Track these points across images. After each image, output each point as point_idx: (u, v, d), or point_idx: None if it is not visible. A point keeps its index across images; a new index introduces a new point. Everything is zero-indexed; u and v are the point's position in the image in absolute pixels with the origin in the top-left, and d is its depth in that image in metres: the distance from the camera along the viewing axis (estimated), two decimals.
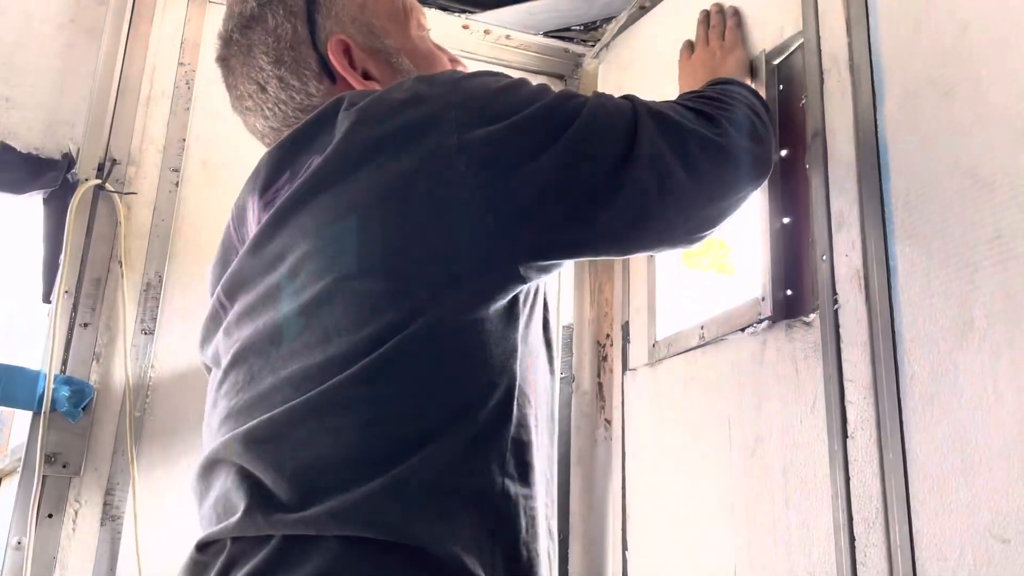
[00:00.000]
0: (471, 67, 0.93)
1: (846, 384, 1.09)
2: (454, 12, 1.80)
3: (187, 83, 1.71)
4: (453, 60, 1.01)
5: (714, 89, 1.08)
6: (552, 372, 0.88)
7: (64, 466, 1.47)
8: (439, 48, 1.01)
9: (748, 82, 1.25)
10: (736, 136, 0.97)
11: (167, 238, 1.62)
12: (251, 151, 1.68)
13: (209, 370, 0.94)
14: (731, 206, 0.97)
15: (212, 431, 0.83)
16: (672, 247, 0.96)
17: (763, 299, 1.23)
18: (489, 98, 0.80)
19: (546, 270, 0.81)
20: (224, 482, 0.75)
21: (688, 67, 1.36)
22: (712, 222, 0.95)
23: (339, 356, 0.72)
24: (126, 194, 1.61)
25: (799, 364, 1.18)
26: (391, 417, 0.71)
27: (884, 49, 1.13)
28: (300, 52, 0.92)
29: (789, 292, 1.21)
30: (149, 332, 1.58)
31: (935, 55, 1.05)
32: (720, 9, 1.39)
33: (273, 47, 0.92)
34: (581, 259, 0.98)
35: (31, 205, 1.62)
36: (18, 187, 1.57)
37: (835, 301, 1.13)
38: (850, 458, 1.07)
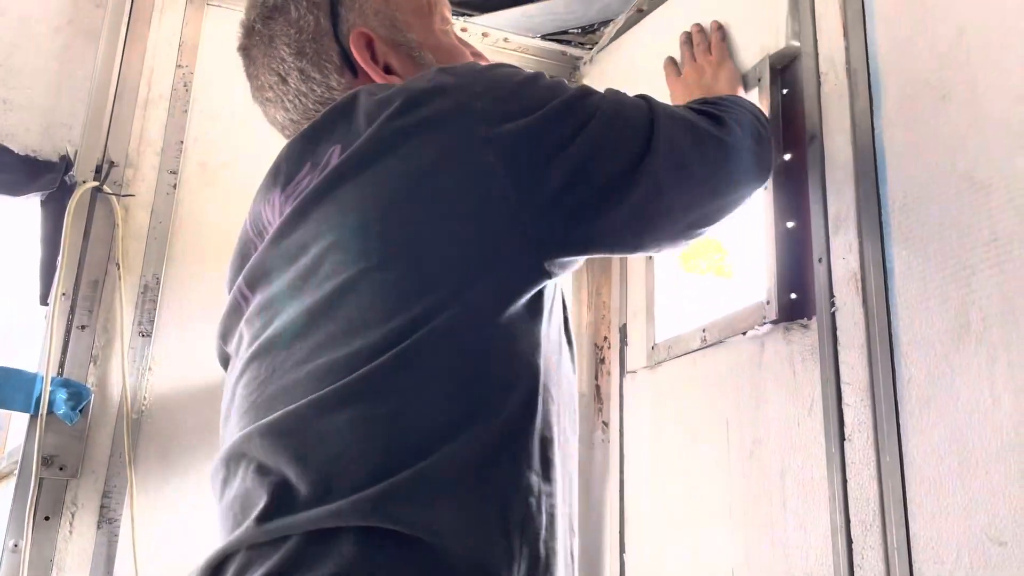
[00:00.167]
0: None
1: (843, 387, 1.10)
2: (453, 15, 1.80)
3: (185, 85, 1.71)
4: (476, 55, 1.01)
5: (715, 98, 1.10)
6: (574, 371, 0.88)
7: (61, 469, 1.46)
8: (462, 42, 1.01)
9: (741, 93, 1.27)
10: (742, 136, 0.99)
11: (165, 240, 1.62)
12: (249, 153, 1.69)
13: (225, 365, 0.93)
14: (732, 203, 0.98)
15: (231, 425, 0.82)
16: (673, 244, 0.96)
17: (768, 302, 1.23)
18: (514, 90, 0.80)
19: (566, 266, 0.81)
20: (244, 480, 0.74)
21: (680, 84, 1.35)
22: (711, 218, 0.96)
23: (364, 348, 0.72)
24: (124, 196, 1.61)
25: (796, 367, 1.19)
26: (416, 410, 0.71)
27: (881, 53, 1.13)
28: (322, 44, 0.92)
29: (793, 295, 1.21)
30: (146, 334, 1.57)
31: (931, 59, 1.05)
32: (701, 28, 1.40)
33: (295, 38, 0.92)
34: (595, 256, 0.99)
35: (28, 207, 1.61)
36: (15, 189, 1.57)
37: (832, 304, 1.13)
38: (847, 460, 1.07)
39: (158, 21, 1.72)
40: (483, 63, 0.96)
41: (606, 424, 1.65)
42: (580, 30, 1.85)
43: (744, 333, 1.29)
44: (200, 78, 1.72)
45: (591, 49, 1.87)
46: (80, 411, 1.48)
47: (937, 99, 1.04)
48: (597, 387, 1.69)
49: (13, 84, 1.63)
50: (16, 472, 1.46)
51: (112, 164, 1.61)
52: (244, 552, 0.70)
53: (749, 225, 1.30)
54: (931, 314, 1.00)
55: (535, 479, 0.73)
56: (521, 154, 0.76)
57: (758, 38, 1.33)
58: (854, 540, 1.04)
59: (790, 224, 1.24)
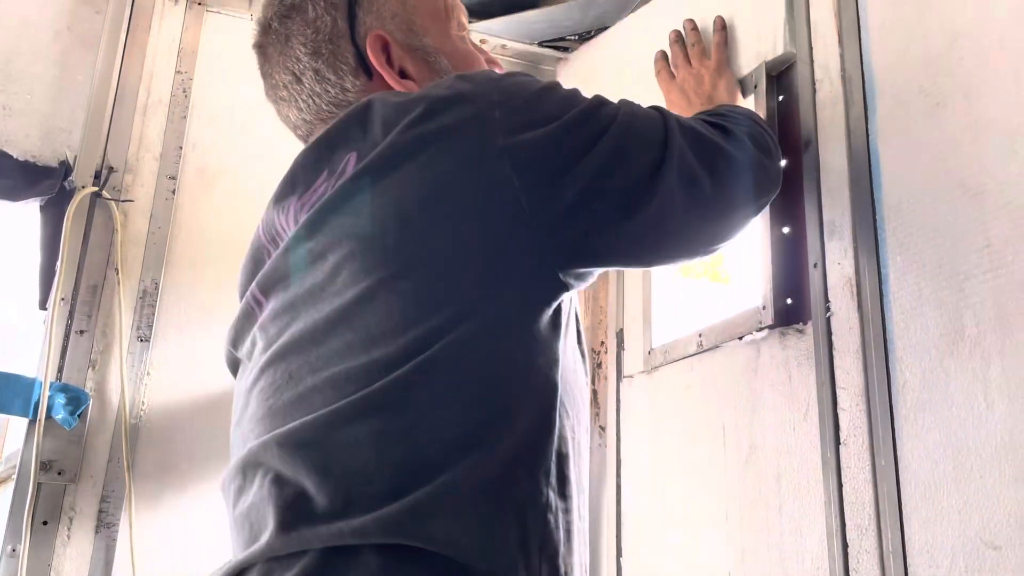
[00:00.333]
0: None
1: (839, 391, 1.10)
2: None
3: (184, 91, 1.72)
4: (491, 61, 1.00)
5: (722, 108, 1.09)
6: (587, 383, 0.87)
7: (59, 473, 1.47)
8: (477, 48, 1.00)
9: (740, 102, 1.26)
10: (753, 150, 0.99)
11: (164, 245, 1.62)
12: (248, 159, 1.70)
13: (234, 370, 0.92)
14: (746, 217, 0.99)
15: (244, 432, 0.81)
16: (689, 258, 0.96)
17: (764, 308, 1.24)
18: (531, 99, 0.80)
19: (582, 278, 0.81)
20: (259, 489, 0.73)
21: (675, 90, 1.32)
22: (726, 234, 0.96)
23: (383, 359, 0.71)
24: (123, 201, 1.62)
25: (792, 372, 1.19)
26: (434, 424, 0.70)
27: (875, 60, 1.14)
28: (338, 46, 0.91)
29: (789, 301, 1.22)
30: (145, 339, 1.58)
31: (925, 66, 1.06)
32: (695, 26, 1.37)
33: (311, 39, 0.91)
34: (610, 269, 0.99)
35: (28, 212, 1.62)
36: (15, 194, 1.58)
37: (828, 309, 1.14)
38: (843, 465, 1.08)
39: (157, 27, 1.73)
40: (499, 71, 0.95)
41: (603, 429, 1.65)
42: (577, 37, 1.86)
43: (740, 338, 1.29)
44: (199, 84, 1.72)
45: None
46: (78, 416, 1.49)
47: (931, 106, 1.05)
48: (594, 392, 1.69)
49: (13, 90, 1.63)
50: (14, 477, 1.46)
51: (111, 169, 1.62)
52: (261, 565, 0.69)
53: (750, 230, 1.31)
54: (925, 319, 1.01)
55: (552, 495, 0.73)
56: (537, 165, 0.76)
57: (754, 45, 1.34)
58: (850, 544, 1.05)
59: (785, 230, 1.25)
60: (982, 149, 0.97)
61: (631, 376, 1.59)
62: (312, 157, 0.85)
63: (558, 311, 0.78)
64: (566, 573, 0.72)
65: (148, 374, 1.57)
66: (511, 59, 1.90)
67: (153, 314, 1.59)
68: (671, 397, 1.46)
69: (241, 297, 0.91)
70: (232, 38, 1.76)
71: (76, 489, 1.48)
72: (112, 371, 1.55)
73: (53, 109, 1.64)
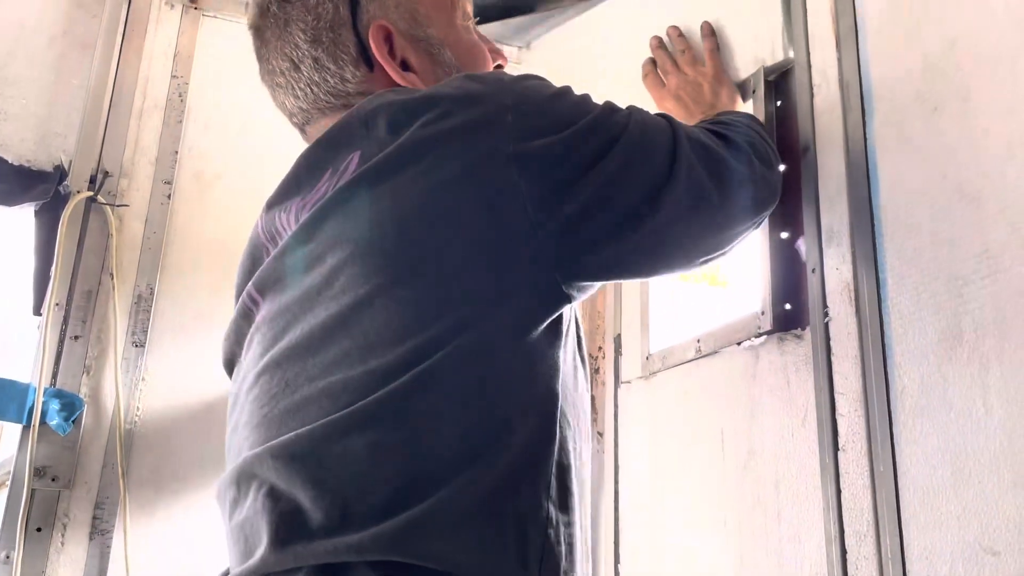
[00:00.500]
0: None
1: (837, 397, 1.10)
2: None
3: (180, 95, 1.71)
4: (494, 52, 0.98)
5: (724, 116, 1.08)
6: (588, 390, 0.86)
7: (53, 480, 1.46)
8: (481, 38, 0.98)
9: (739, 109, 1.25)
10: (756, 162, 0.98)
11: (159, 250, 1.62)
12: (244, 163, 1.69)
13: (230, 370, 0.90)
14: (748, 229, 0.98)
15: (239, 439, 0.79)
16: (689, 269, 0.95)
17: (763, 313, 1.24)
18: (543, 104, 0.78)
19: (584, 290, 0.79)
20: (254, 503, 0.72)
21: (670, 98, 1.29)
22: (727, 246, 0.95)
23: (379, 369, 0.69)
24: (118, 206, 1.61)
25: (791, 377, 1.19)
26: (433, 437, 0.68)
27: (873, 65, 1.14)
28: (339, 34, 0.88)
29: (788, 306, 1.22)
30: (140, 345, 1.57)
31: (922, 71, 1.06)
32: (680, 32, 1.34)
33: (312, 25, 0.88)
34: (612, 281, 0.98)
35: (22, 217, 1.61)
36: (9, 199, 1.57)
37: (826, 314, 1.13)
38: (841, 471, 1.07)
39: (153, 31, 1.73)
40: (503, 62, 0.94)
41: (600, 435, 1.65)
42: None
43: (739, 343, 1.29)
44: (195, 88, 1.72)
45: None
46: (73, 422, 1.48)
47: (929, 111, 1.05)
48: (591, 398, 1.69)
49: (8, 94, 1.63)
50: (8, 483, 1.45)
51: (106, 174, 1.61)
52: None
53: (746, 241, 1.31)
54: (924, 324, 1.00)
55: (553, 509, 0.71)
56: (546, 174, 0.74)
57: (752, 49, 1.34)
58: (848, 550, 1.04)
59: (784, 235, 1.25)
60: (980, 154, 0.97)
61: (629, 382, 1.58)
62: (315, 156, 0.84)
63: (559, 319, 0.77)
64: None
65: (143, 380, 1.56)
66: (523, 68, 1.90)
67: (148, 319, 1.58)
68: (669, 403, 1.45)
69: (237, 297, 0.90)
70: (228, 42, 1.76)
71: (70, 495, 1.47)
72: (107, 377, 1.54)
73: (48, 113, 1.64)
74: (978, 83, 0.99)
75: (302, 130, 0.95)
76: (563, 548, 0.71)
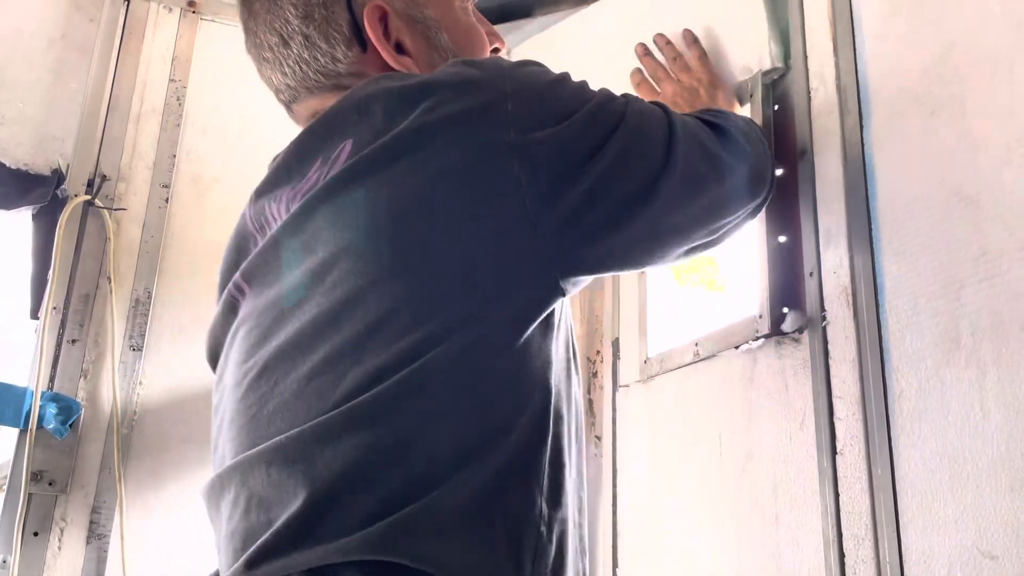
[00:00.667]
0: None
1: (835, 401, 1.10)
2: None
3: (178, 99, 1.72)
4: (492, 34, 0.95)
5: (722, 111, 1.06)
6: (579, 382, 0.84)
7: (50, 484, 1.46)
8: (479, 19, 0.95)
9: (737, 111, 1.24)
10: (749, 150, 0.97)
11: (156, 254, 1.62)
12: (242, 167, 1.69)
13: (214, 363, 0.88)
14: (742, 217, 0.97)
15: (225, 439, 0.77)
16: (675, 261, 0.94)
17: (760, 316, 1.23)
18: (543, 92, 0.76)
19: (578, 284, 0.78)
20: (245, 508, 0.70)
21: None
22: (720, 232, 0.94)
23: (373, 367, 0.67)
24: (116, 210, 1.61)
25: (789, 381, 1.19)
26: (427, 438, 0.67)
27: (870, 69, 1.14)
28: (333, 12, 0.85)
29: (785, 310, 1.22)
30: (137, 349, 1.57)
31: (920, 75, 1.06)
32: (668, 40, 1.32)
33: (304, 0, 0.85)
34: (606, 274, 0.97)
35: (20, 221, 1.61)
36: (7, 202, 1.57)
37: (824, 318, 1.13)
38: (839, 474, 1.07)
39: (151, 35, 1.73)
40: (500, 46, 0.92)
41: (598, 439, 1.64)
42: None
43: (737, 347, 1.29)
44: (193, 92, 1.72)
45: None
46: (70, 426, 1.48)
47: (926, 115, 1.05)
48: (590, 401, 1.69)
49: (5, 97, 1.63)
50: (5, 487, 1.45)
51: (104, 178, 1.61)
52: None
53: (742, 239, 1.31)
54: (921, 328, 1.00)
55: (546, 507, 0.70)
56: (546, 166, 0.73)
57: (749, 53, 1.34)
58: (846, 554, 1.04)
59: (782, 239, 1.25)
60: (977, 157, 0.97)
61: (627, 385, 1.58)
62: (305, 144, 0.81)
63: (551, 313, 0.75)
64: None
65: (140, 384, 1.56)
66: None
67: (146, 323, 1.58)
68: (667, 406, 1.45)
69: (222, 287, 0.87)
70: (227, 46, 1.76)
71: (67, 499, 1.47)
72: (104, 380, 1.54)
73: (46, 117, 1.64)
74: (975, 86, 0.99)
75: (288, 107, 0.92)
76: (554, 546, 0.70)
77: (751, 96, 1.31)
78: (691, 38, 1.32)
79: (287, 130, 0.99)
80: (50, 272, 1.53)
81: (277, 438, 0.69)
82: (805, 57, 1.24)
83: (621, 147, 0.78)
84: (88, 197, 1.59)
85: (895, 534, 0.99)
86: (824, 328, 1.13)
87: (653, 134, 0.82)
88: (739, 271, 1.54)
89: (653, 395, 1.50)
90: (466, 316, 0.69)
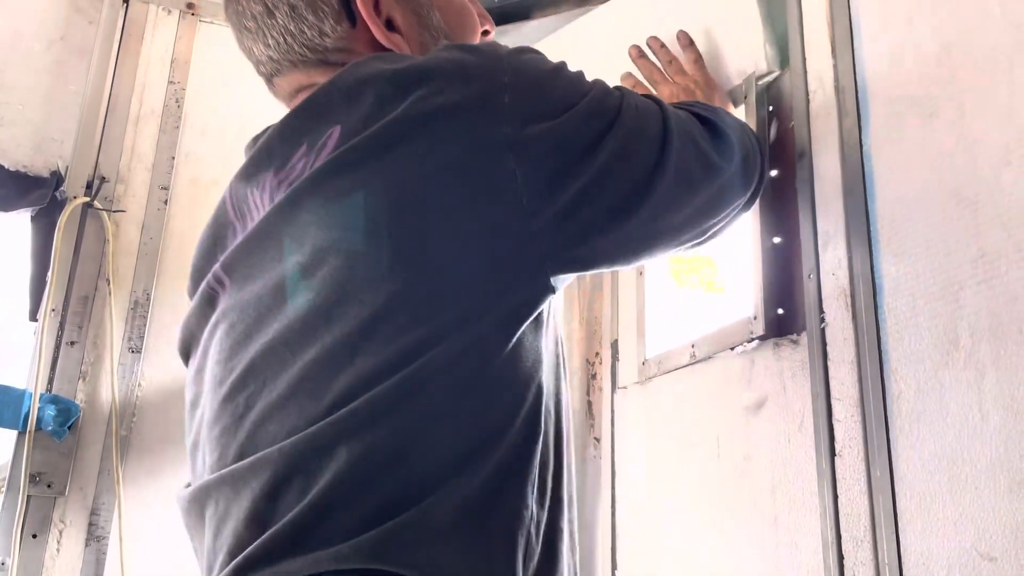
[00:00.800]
0: None
1: (834, 402, 1.10)
2: None
3: (177, 101, 1.72)
4: (482, 16, 0.93)
5: (716, 108, 1.03)
6: (566, 376, 0.82)
7: (49, 486, 1.46)
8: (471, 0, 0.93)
9: (731, 111, 1.24)
10: (742, 152, 0.96)
11: (155, 256, 1.62)
12: None
13: (186, 358, 0.85)
14: (734, 211, 0.96)
15: (208, 438, 0.74)
16: (663, 256, 0.93)
17: (755, 318, 1.23)
18: (540, 82, 0.74)
19: (566, 281, 0.77)
20: (236, 522, 0.67)
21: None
22: (713, 227, 0.93)
23: (365, 370, 0.65)
24: (114, 212, 1.61)
25: (787, 382, 1.19)
26: (421, 445, 0.65)
27: (868, 70, 1.14)
28: None
29: (781, 311, 1.22)
30: (136, 351, 1.57)
31: (918, 76, 1.06)
32: (662, 44, 1.29)
33: None
34: (597, 271, 0.96)
35: (19, 222, 1.61)
36: (6, 204, 1.57)
37: (822, 319, 1.13)
38: (838, 476, 1.07)
39: (150, 37, 1.73)
40: (490, 28, 0.89)
41: (597, 440, 1.64)
42: None
43: (732, 348, 1.29)
44: (192, 94, 1.72)
45: None
46: (69, 428, 1.48)
47: (924, 116, 1.05)
48: (589, 403, 1.69)
49: (4, 99, 1.63)
50: (3, 489, 1.45)
51: (103, 180, 1.61)
52: None
53: (739, 240, 1.31)
54: (920, 330, 1.00)
55: (536, 507, 0.69)
56: (542, 162, 0.71)
57: (744, 56, 1.34)
58: (845, 556, 1.04)
59: (777, 240, 1.25)
60: (976, 160, 0.97)
61: (625, 387, 1.58)
62: (290, 127, 0.77)
63: (541, 312, 0.74)
64: None
65: (140, 386, 1.56)
66: None
67: (145, 325, 1.58)
68: (665, 408, 1.45)
69: (196, 277, 0.83)
70: (226, 48, 1.76)
71: (66, 501, 1.47)
72: (103, 383, 1.54)
73: (45, 119, 1.64)
74: (974, 88, 0.99)
75: (269, 80, 0.88)
76: (546, 545, 0.69)
77: (745, 98, 1.31)
78: (686, 40, 1.30)
79: None
80: (49, 274, 1.53)
81: (268, 449, 0.67)
82: (804, 59, 1.24)
83: (618, 143, 0.76)
84: (87, 199, 1.59)
85: (894, 536, 0.99)
86: (823, 330, 1.13)
87: (649, 129, 0.81)
88: (737, 272, 1.54)
89: (651, 397, 1.50)
90: (462, 315, 0.68)
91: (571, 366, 1.74)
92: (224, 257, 0.78)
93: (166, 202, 1.66)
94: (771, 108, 1.31)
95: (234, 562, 0.65)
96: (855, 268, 1.10)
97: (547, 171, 0.72)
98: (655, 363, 1.49)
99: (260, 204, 0.77)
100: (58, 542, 1.46)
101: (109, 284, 1.57)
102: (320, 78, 0.82)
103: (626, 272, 1.63)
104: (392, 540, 0.62)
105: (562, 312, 1.79)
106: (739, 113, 1.31)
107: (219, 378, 0.74)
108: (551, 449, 0.72)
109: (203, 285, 0.80)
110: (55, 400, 1.48)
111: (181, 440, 1.55)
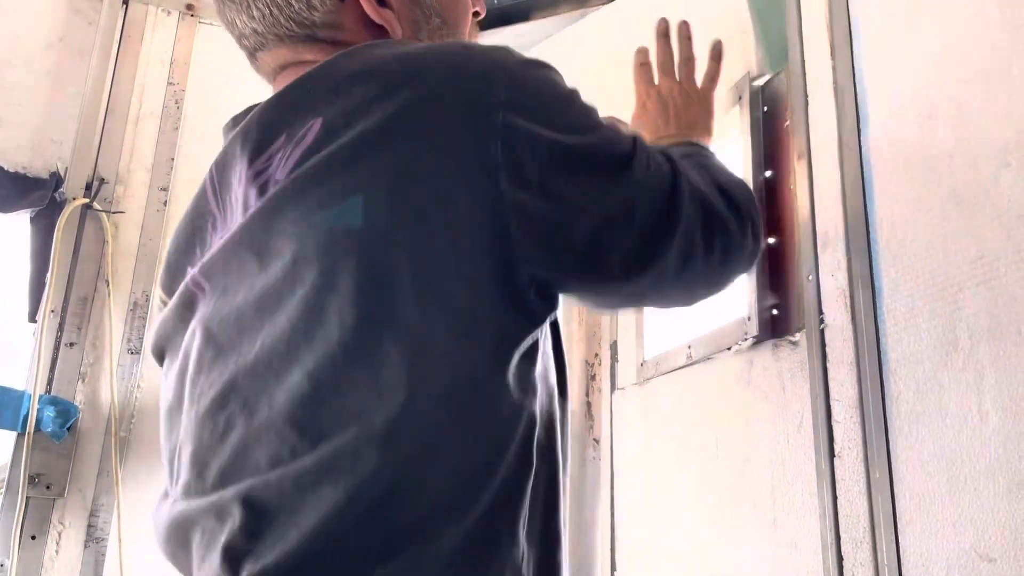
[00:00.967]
0: None
1: (833, 403, 1.10)
2: None
3: (176, 103, 1.72)
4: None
5: (728, 180, 0.90)
6: (564, 396, 0.77)
7: (48, 487, 1.45)
8: None
9: (710, 141, 1.09)
10: (747, 229, 0.87)
11: (155, 258, 1.61)
12: None
13: (161, 359, 0.81)
14: (721, 287, 0.89)
15: (187, 453, 0.70)
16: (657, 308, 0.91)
17: (749, 318, 1.24)
18: (547, 105, 0.68)
19: (553, 314, 0.73)
20: (213, 564, 0.64)
21: (655, 99, 1.11)
22: (693, 300, 0.87)
23: (354, 402, 0.61)
24: (114, 213, 1.61)
25: (786, 383, 1.19)
26: (412, 488, 0.61)
27: (867, 72, 1.14)
28: None
29: (775, 311, 1.22)
30: (135, 352, 1.57)
31: (917, 78, 1.07)
32: (690, 35, 1.15)
33: None
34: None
35: (18, 224, 1.61)
36: (5, 205, 1.57)
37: (821, 320, 1.14)
38: (837, 477, 1.07)
39: (150, 38, 1.73)
40: (511, 48, 0.79)
41: (596, 441, 1.64)
42: None
43: (728, 349, 1.29)
44: (191, 95, 1.72)
45: None
46: (68, 429, 1.47)
47: (923, 117, 1.05)
48: (588, 404, 1.69)
49: (3, 101, 1.63)
50: (3, 491, 1.44)
51: (102, 181, 1.61)
52: None
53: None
54: (919, 331, 1.00)
55: (528, 547, 0.65)
56: (535, 216, 0.65)
57: (741, 57, 1.34)
58: (844, 557, 1.04)
59: (771, 240, 1.25)
60: (974, 161, 0.98)
61: (623, 388, 1.58)
62: (270, 116, 0.73)
63: (535, 340, 0.70)
64: None
65: (139, 387, 1.56)
66: None
67: (144, 326, 1.58)
68: (664, 409, 1.45)
69: (173, 270, 0.79)
70: (225, 49, 1.76)
71: (65, 503, 1.47)
72: (102, 384, 1.54)
73: (44, 120, 1.64)
74: (973, 90, 0.99)
75: (251, 55, 0.84)
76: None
77: (740, 99, 1.32)
78: (717, 53, 1.16)
79: None
80: (48, 275, 1.53)
81: (252, 480, 0.63)
82: (803, 60, 1.25)
83: (625, 196, 0.71)
84: (86, 200, 1.59)
85: (893, 537, 0.99)
86: (822, 331, 1.13)
87: (656, 190, 0.74)
88: None
89: (649, 398, 1.50)
90: (451, 345, 0.63)
91: (570, 368, 1.74)
92: (204, 261, 0.73)
93: (165, 203, 1.66)
94: (766, 109, 1.31)
95: None
96: (854, 269, 1.10)
97: (545, 206, 0.66)
98: (653, 364, 1.49)
99: (238, 198, 0.72)
100: (57, 543, 1.45)
101: (108, 285, 1.57)
102: (308, 55, 0.79)
103: None
104: None
105: (563, 313, 1.79)
106: (735, 114, 1.32)
107: (196, 391, 0.70)
108: (543, 484, 0.68)
109: (182, 287, 0.76)
110: (54, 401, 1.48)
111: None
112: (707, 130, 1.09)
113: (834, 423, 1.09)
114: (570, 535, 1.68)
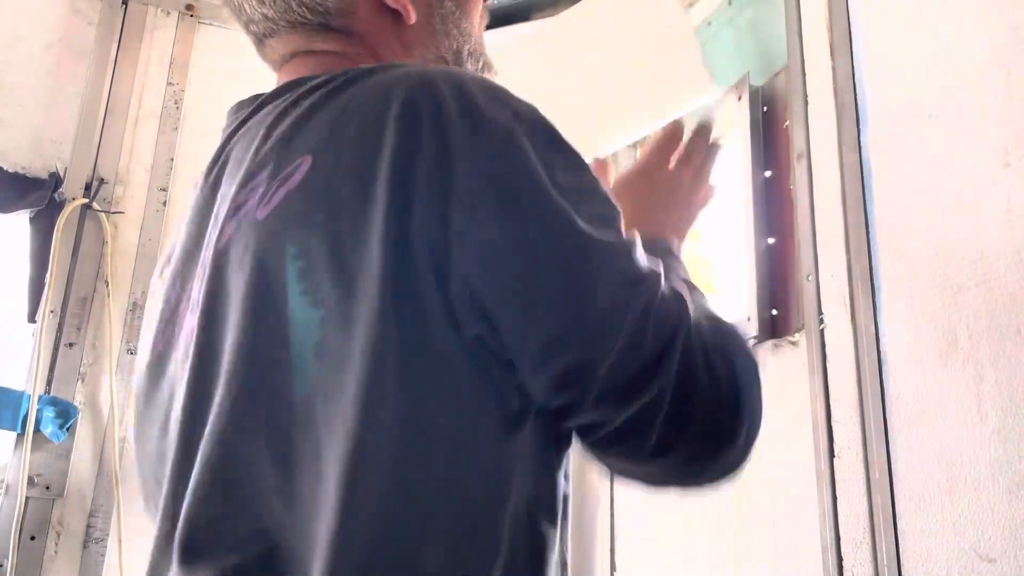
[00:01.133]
0: None
1: (833, 404, 1.10)
2: None
3: (176, 103, 1.72)
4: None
5: (731, 332, 0.70)
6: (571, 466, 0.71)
7: (47, 488, 1.45)
8: None
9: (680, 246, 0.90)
10: (745, 445, 0.71)
11: (154, 258, 1.61)
12: None
13: (151, 372, 0.72)
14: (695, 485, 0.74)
15: (168, 492, 0.61)
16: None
17: (749, 319, 1.24)
18: (554, 166, 0.59)
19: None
20: None
21: (646, 178, 0.93)
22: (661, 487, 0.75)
23: (332, 476, 0.55)
24: (113, 213, 1.61)
25: (786, 383, 1.19)
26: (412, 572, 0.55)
27: (867, 73, 1.14)
28: None
29: (774, 312, 1.22)
30: (135, 352, 1.57)
31: (916, 78, 1.07)
32: (709, 133, 0.97)
33: None
34: None
35: (17, 224, 1.61)
36: (4, 206, 1.57)
37: (821, 321, 1.14)
38: (837, 478, 1.07)
39: (149, 39, 1.73)
40: (525, 100, 0.66)
41: None
42: None
43: None
44: (191, 95, 1.72)
45: None
46: (67, 430, 1.47)
47: (923, 118, 1.05)
48: None
49: (3, 101, 1.62)
50: (2, 492, 1.44)
51: (102, 181, 1.61)
52: None
53: (736, 241, 1.31)
54: (919, 331, 1.00)
55: None
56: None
57: (737, 58, 1.34)
58: (844, 558, 1.04)
59: (771, 241, 1.25)
60: (974, 161, 0.98)
61: None
62: (262, 140, 0.67)
63: (523, 404, 0.62)
64: None
65: None
66: None
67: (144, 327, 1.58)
68: None
69: (185, 264, 0.72)
70: (225, 50, 1.76)
71: (64, 504, 1.46)
72: (102, 384, 1.54)
73: (44, 121, 1.63)
74: (972, 91, 0.99)
75: (259, 41, 0.79)
76: None
77: (740, 99, 1.32)
78: (715, 150, 0.98)
79: None
80: (47, 275, 1.53)
81: (246, 536, 0.57)
82: (802, 60, 1.25)
83: (632, 331, 0.59)
84: (86, 200, 1.58)
85: (893, 537, 0.99)
86: (822, 331, 1.13)
87: (672, 339, 0.62)
88: (732, 273, 1.54)
89: None
90: (447, 425, 0.57)
91: None
92: (202, 296, 0.65)
93: (165, 204, 1.66)
94: (765, 109, 1.31)
95: None
96: (854, 269, 1.10)
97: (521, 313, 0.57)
98: None
99: (227, 223, 0.66)
100: (56, 544, 1.45)
101: (108, 286, 1.57)
102: (320, 44, 0.75)
103: None
104: None
105: None
106: (733, 115, 1.32)
107: (184, 418, 0.63)
108: (550, 548, 0.63)
109: (183, 302, 0.70)
110: (54, 402, 1.48)
111: None
112: (679, 232, 0.92)
113: (834, 423, 1.09)
114: (570, 533, 1.68)
